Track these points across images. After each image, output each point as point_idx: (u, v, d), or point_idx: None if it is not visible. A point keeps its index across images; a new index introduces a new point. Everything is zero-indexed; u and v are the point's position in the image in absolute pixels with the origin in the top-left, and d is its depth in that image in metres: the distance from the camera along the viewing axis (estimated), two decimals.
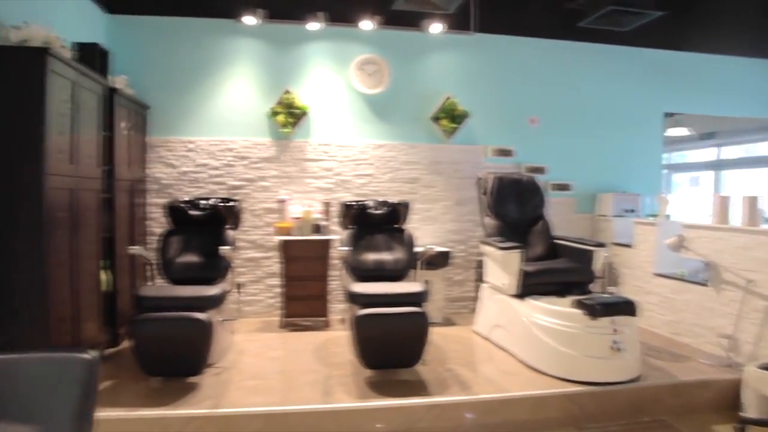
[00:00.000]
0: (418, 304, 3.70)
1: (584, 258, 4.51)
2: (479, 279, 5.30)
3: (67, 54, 3.53)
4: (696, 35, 5.88)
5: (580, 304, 3.79)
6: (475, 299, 5.39)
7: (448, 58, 5.86)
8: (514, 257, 4.33)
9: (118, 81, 4.56)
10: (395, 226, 4.66)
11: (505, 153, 5.95)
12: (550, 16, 5.34)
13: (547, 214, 5.11)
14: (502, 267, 4.47)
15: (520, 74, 6.02)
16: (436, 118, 5.74)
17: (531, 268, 4.36)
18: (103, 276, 4.15)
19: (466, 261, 5.86)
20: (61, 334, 3.39)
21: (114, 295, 4.32)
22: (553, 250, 4.86)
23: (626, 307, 3.81)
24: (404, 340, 3.66)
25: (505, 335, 4.44)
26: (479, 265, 5.33)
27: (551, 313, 3.93)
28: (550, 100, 6.10)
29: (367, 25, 5.45)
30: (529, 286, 4.30)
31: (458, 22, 5.41)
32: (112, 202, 4.32)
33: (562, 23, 5.45)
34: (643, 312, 4.87)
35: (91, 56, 4.07)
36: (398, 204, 4.70)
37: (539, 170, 5.97)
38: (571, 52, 6.12)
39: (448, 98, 5.73)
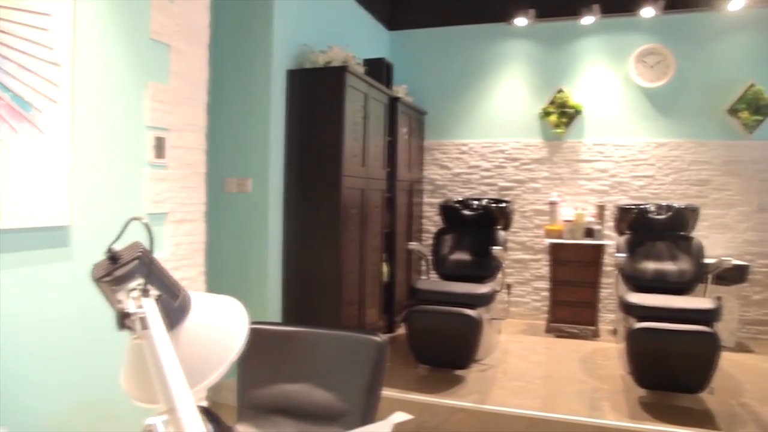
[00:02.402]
0: (706, 323, 3.28)
1: None
2: None
3: (360, 70, 3.99)
4: None
5: None
6: None
7: (750, 38, 5.02)
8: None
9: (400, 90, 4.98)
10: (680, 233, 4.19)
11: None
12: None
13: None
14: None
15: None
16: (733, 111, 4.98)
17: None
18: (384, 268, 4.58)
19: None
20: (349, 317, 3.83)
21: (392, 285, 4.74)
22: None
23: None
24: (687, 361, 3.27)
25: None
26: None
27: None
28: None
29: (648, 12, 4.96)
30: None
31: None
32: (393, 201, 4.74)
33: None
34: None
35: (378, 69, 4.52)
36: (685, 209, 4.24)
37: None
38: None
39: (751, 86, 4.92)
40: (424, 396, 3.42)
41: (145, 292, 0.83)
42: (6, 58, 1.66)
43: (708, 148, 5.11)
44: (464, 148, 5.65)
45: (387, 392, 3.33)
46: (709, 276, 3.94)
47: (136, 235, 0.93)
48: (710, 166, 5.11)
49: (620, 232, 4.43)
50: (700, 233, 4.59)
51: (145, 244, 0.89)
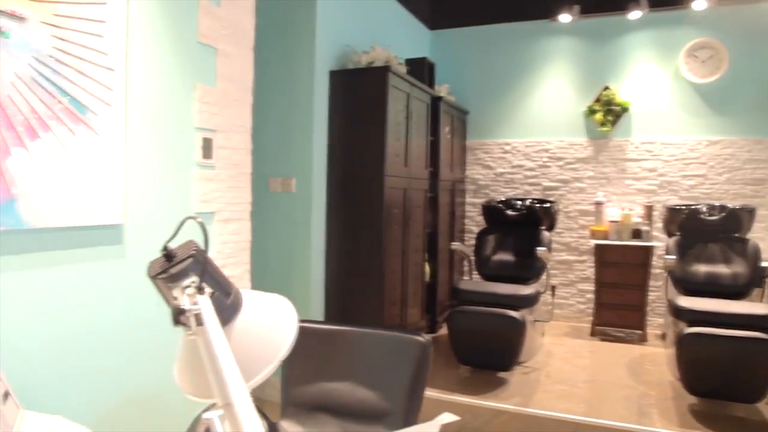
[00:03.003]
0: (764, 329, 3.14)
1: None
2: None
3: (402, 70, 3.98)
4: None
5: None
6: None
7: None
8: None
9: (442, 90, 4.96)
10: (734, 234, 4.04)
11: None
12: None
13: None
14: None
15: None
16: None
17: None
18: (426, 267, 4.57)
19: None
20: (391, 317, 3.84)
21: (434, 285, 4.72)
22: None
23: None
24: (742, 369, 3.14)
25: None
26: None
27: None
28: None
29: (699, 4, 4.78)
30: None
31: None
32: (435, 200, 4.72)
33: None
34: None
35: (420, 69, 4.51)
36: (739, 209, 4.08)
37: None
38: None
39: None
40: (466, 397, 3.40)
41: (199, 290, 0.85)
42: (65, 64, 1.72)
43: (765, 146, 4.90)
44: (507, 148, 5.58)
45: (428, 392, 3.31)
46: (767, 280, 3.79)
47: (187, 233, 0.95)
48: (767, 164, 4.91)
49: (669, 234, 4.30)
50: (756, 235, 4.41)
51: (199, 242, 0.91)
